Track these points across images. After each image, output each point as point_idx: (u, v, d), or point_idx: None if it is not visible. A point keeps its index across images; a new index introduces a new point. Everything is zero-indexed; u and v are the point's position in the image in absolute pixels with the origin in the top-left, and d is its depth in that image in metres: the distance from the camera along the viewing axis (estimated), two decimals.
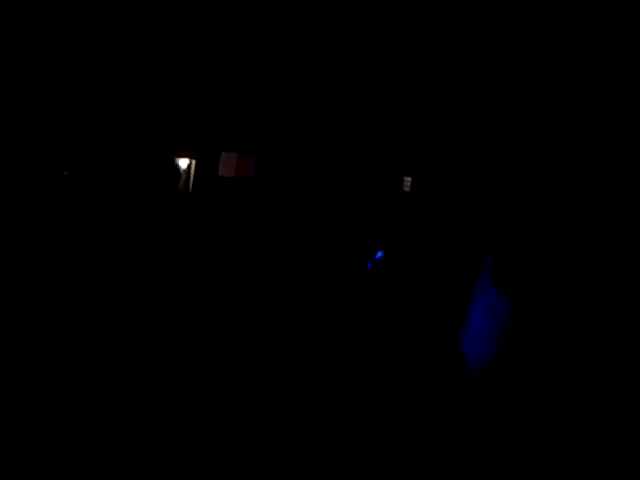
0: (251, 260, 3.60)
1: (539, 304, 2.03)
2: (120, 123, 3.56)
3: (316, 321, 3.02)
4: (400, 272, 3.74)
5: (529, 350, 2.00)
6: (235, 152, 3.77)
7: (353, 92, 3.86)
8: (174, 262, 3.47)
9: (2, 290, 2.66)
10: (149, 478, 1.46)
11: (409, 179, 3.97)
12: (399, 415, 2.06)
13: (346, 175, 3.92)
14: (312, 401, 2.06)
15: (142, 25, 3.62)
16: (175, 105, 3.63)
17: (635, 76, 2.34)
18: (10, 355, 2.03)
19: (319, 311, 3.20)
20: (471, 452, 1.87)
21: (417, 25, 3.49)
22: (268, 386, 2.13)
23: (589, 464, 1.49)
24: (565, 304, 1.84)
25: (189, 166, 3.65)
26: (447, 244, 3.65)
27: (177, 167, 3.63)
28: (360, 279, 3.76)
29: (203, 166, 3.66)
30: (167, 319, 2.71)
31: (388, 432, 1.91)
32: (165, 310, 2.87)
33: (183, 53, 3.65)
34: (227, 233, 3.66)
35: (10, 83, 3.33)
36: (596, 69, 2.56)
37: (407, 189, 3.97)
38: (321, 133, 3.88)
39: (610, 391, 1.47)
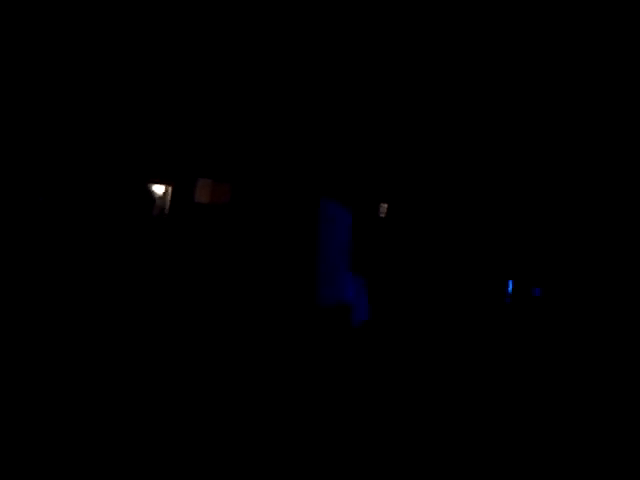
0: (222, 285, 3.64)
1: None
2: (96, 149, 3.60)
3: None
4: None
5: None
6: (211, 178, 3.81)
7: (328, 121, 3.91)
8: (148, 287, 3.50)
9: None
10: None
11: (385, 205, 4.02)
12: None
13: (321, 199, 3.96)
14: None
15: (112, 54, 3.66)
16: (151, 131, 3.68)
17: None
18: None
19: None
20: None
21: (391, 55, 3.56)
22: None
23: None
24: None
25: (165, 192, 3.69)
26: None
27: (152, 193, 3.66)
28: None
29: (179, 192, 3.70)
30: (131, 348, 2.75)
31: None
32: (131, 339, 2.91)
33: (157, 81, 3.69)
34: (203, 258, 3.69)
35: None
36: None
37: (382, 215, 4.02)
38: (295, 160, 3.92)
39: None
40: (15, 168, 3.39)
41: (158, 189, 3.66)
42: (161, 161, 3.71)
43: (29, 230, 3.29)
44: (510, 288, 3.54)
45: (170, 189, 3.67)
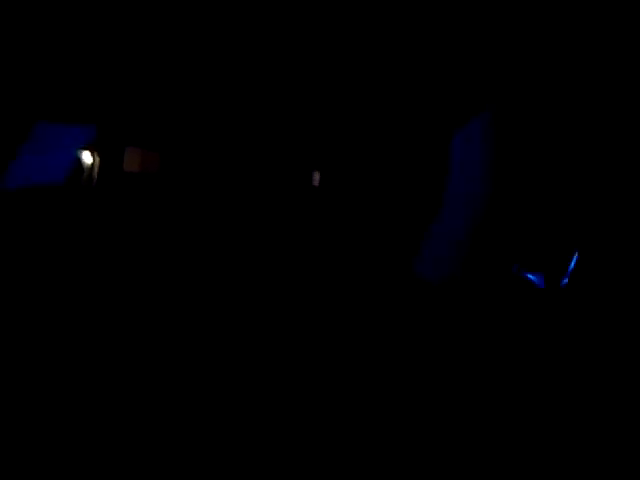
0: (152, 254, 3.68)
1: None
2: (24, 113, 3.63)
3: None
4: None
5: None
6: (139, 147, 3.82)
7: (259, 86, 3.84)
8: (75, 259, 3.57)
9: None
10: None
11: (317, 173, 3.98)
12: None
13: (252, 168, 3.93)
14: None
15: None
16: (81, 99, 3.68)
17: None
18: None
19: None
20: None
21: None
22: None
23: None
24: None
25: (93, 161, 3.72)
26: None
27: (81, 161, 3.70)
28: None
29: (107, 161, 3.73)
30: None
31: None
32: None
33: (90, 48, 3.67)
34: (131, 228, 3.74)
35: None
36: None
37: (315, 184, 3.98)
38: (226, 129, 3.89)
39: None
40: None
41: (86, 157, 3.69)
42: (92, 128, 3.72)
43: None
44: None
45: (98, 158, 3.70)
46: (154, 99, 3.77)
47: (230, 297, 3.30)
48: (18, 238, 3.55)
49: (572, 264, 3.13)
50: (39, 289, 3.27)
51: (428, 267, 3.35)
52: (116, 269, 3.52)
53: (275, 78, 3.82)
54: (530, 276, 3.24)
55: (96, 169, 3.69)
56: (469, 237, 3.25)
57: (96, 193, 3.68)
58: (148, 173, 3.75)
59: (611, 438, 2.10)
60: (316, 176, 3.86)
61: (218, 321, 2.96)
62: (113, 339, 2.57)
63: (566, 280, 3.07)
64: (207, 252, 3.78)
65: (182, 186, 3.77)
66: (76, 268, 3.50)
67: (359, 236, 3.70)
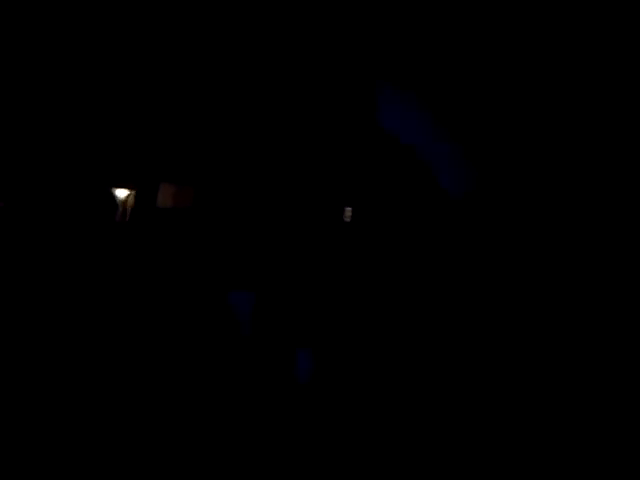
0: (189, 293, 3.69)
1: None
2: (58, 153, 3.61)
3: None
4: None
5: None
6: (174, 182, 3.82)
7: (292, 122, 3.89)
8: (112, 292, 3.55)
9: None
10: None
11: (349, 209, 4.02)
12: None
13: (285, 204, 3.96)
14: None
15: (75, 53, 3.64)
16: (114, 136, 3.68)
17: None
18: None
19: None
20: None
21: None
22: None
23: None
24: None
25: (127, 197, 3.71)
26: None
27: (115, 198, 3.69)
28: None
29: (142, 197, 3.72)
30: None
31: None
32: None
33: (120, 84, 3.68)
34: (165, 264, 3.73)
35: None
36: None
37: (347, 220, 4.02)
38: (258, 163, 3.92)
39: None
40: None
41: (120, 193, 3.68)
42: (124, 166, 3.72)
43: None
44: None
45: (133, 194, 3.69)
46: (188, 134, 3.79)
47: (262, 333, 3.32)
48: (48, 271, 3.52)
49: None
50: (64, 322, 3.25)
51: None
52: (147, 305, 3.52)
53: (308, 116, 3.87)
54: None
55: (130, 205, 3.68)
56: None
57: (130, 229, 3.67)
58: (182, 208, 3.75)
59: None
60: (347, 212, 3.91)
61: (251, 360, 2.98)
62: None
63: None
64: (238, 287, 3.79)
65: (215, 221, 3.78)
66: (107, 303, 3.48)
67: (391, 274, 3.75)
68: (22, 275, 3.41)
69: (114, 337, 3.36)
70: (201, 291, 3.63)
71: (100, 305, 3.49)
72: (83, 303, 3.46)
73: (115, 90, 3.68)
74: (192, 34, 3.66)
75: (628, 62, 2.99)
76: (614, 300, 2.90)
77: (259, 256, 3.85)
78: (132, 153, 3.73)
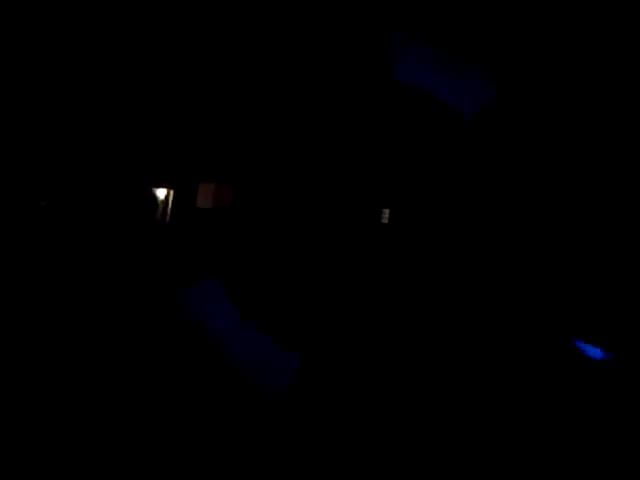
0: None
1: None
2: (98, 152, 3.56)
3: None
4: None
5: None
6: (213, 182, 3.78)
7: (331, 122, 3.84)
8: (152, 292, 3.54)
9: None
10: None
11: (387, 211, 4.00)
12: None
13: (322, 209, 3.94)
14: None
15: (113, 56, 3.57)
16: (153, 135, 3.63)
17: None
18: None
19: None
20: None
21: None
22: None
23: None
24: None
25: (167, 196, 3.67)
26: None
27: (155, 197, 3.65)
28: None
29: (181, 196, 3.69)
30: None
31: None
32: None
33: (159, 84, 3.61)
34: (203, 264, 3.72)
35: None
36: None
37: (385, 221, 4.00)
38: (296, 163, 3.88)
39: None
40: (16, 171, 3.37)
41: (160, 193, 3.64)
42: (163, 165, 3.67)
43: (31, 236, 3.30)
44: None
45: (172, 193, 3.65)
46: (227, 132, 3.74)
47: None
48: (88, 269, 3.50)
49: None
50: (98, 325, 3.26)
51: None
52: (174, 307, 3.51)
53: (345, 116, 3.81)
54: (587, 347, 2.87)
55: (169, 205, 3.64)
56: None
57: (169, 229, 3.64)
58: (221, 208, 3.72)
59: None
60: (385, 213, 3.89)
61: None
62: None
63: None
64: (275, 292, 3.79)
65: (255, 221, 3.75)
66: (144, 303, 3.48)
67: (431, 278, 3.74)
68: (64, 272, 3.40)
69: (146, 334, 3.36)
70: (238, 290, 3.62)
71: (139, 304, 3.49)
72: (122, 301, 3.46)
73: (156, 91, 3.61)
74: (224, 30, 3.58)
75: None
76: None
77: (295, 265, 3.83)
78: (171, 151, 3.68)
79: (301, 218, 3.83)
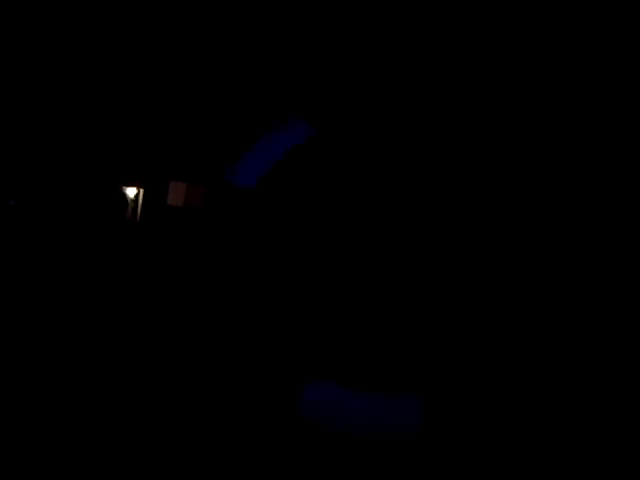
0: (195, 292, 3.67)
1: None
2: (68, 151, 3.57)
3: None
4: None
5: None
6: (184, 181, 3.77)
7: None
8: (124, 291, 3.55)
9: None
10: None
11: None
12: None
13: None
14: None
15: (83, 55, 3.57)
16: (123, 133, 3.62)
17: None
18: None
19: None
20: None
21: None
22: None
23: None
24: None
25: (137, 195, 3.67)
26: None
27: (125, 196, 3.65)
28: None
29: (151, 195, 3.68)
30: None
31: None
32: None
33: (129, 82, 3.60)
34: (175, 262, 3.71)
35: None
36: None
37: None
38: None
39: None
40: None
41: (130, 192, 3.64)
42: (133, 163, 3.67)
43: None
44: None
45: (142, 192, 3.65)
46: (199, 130, 3.72)
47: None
48: (58, 268, 3.51)
49: None
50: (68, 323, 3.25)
51: None
52: (155, 305, 3.51)
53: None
54: None
55: (140, 203, 3.64)
56: None
57: (139, 228, 3.64)
58: (192, 207, 3.71)
59: None
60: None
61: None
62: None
63: None
64: (255, 294, 3.77)
65: (227, 221, 3.74)
66: (116, 302, 3.48)
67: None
68: (32, 272, 3.41)
69: (120, 336, 3.36)
70: (211, 292, 3.61)
71: (109, 304, 3.49)
72: (93, 301, 3.46)
73: (124, 87, 3.61)
74: (201, 29, 3.56)
75: None
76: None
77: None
78: (141, 150, 3.68)
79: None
